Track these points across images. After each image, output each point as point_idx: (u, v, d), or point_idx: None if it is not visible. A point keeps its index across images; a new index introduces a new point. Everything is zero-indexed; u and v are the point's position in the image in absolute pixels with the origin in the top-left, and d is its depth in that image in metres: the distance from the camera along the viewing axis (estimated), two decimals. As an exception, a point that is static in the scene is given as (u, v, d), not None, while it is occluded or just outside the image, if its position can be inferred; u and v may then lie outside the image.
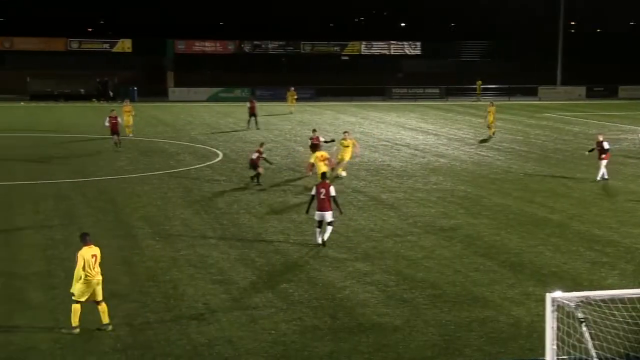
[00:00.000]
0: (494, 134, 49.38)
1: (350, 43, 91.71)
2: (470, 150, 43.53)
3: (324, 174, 24.10)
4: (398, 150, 43.24)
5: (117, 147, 41.92)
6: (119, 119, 43.30)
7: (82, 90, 78.48)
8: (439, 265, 21.00)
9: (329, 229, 22.59)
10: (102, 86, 78.03)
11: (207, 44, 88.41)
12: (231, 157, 39.88)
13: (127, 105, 49.16)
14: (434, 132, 51.82)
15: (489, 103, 52.48)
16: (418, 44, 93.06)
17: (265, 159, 33.03)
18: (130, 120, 47.84)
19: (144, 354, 14.92)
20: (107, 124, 42.81)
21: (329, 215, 22.41)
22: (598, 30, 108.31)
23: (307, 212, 23.24)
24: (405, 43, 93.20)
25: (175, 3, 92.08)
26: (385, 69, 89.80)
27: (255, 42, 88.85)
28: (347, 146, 34.62)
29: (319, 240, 22.58)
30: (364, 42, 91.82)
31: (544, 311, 10.57)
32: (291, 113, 63.19)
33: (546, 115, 65.46)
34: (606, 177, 33.10)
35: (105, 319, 16.15)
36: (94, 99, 76.52)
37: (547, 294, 10.67)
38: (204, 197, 29.78)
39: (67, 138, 47.62)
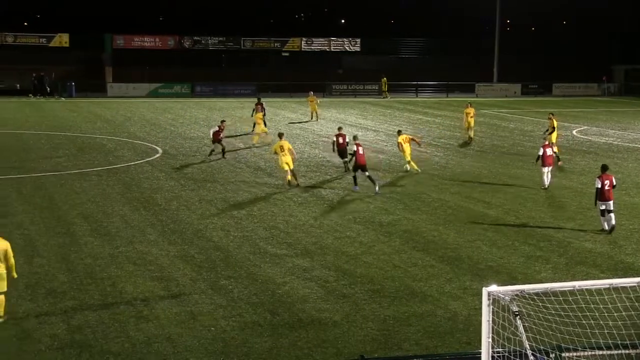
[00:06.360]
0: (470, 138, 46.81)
1: (291, 39, 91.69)
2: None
3: (604, 166, 24.94)
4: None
5: (210, 156, 38.05)
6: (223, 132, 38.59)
7: (17, 85, 77.14)
8: (378, 260, 21.20)
9: (612, 216, 24.18)
10: (39, 81, 76.75)
11: (146, 39, 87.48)
12: (171, 153, 39.63)
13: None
14: (374, 129, 52.15)
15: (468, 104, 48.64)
16: (358, 40, 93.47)
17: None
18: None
19: (81, 352, 14.78)
20: (211, 132, 38.49)
21: (611, 204, 24.19)
22: (533, 29, 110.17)
23: (595, 204, 24.71)
24: (345, 39, 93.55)
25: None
26: (326, 65, 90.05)
27: (195, 38, 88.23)
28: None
29: (605, 227, 24.24)
30: (304, 39, 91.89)
31: (481, 305, 10.76)
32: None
33: (483, 112, 66.31)
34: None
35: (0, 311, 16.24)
36: (30, 94, 75.28)
37: (484, 288, 10.84)
38: (143, 194, 29.55)
39: (2, 133, 46.76)
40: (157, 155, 39.24)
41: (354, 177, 30.70)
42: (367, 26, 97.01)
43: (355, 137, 31.99)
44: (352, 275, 19.77)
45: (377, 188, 30.04)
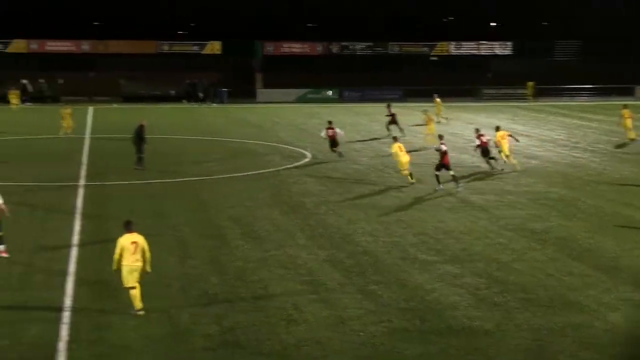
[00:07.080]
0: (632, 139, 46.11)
1: (439, 43, 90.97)
2: (563, 151, 42.56)
3: None
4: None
5: (340, 156, 39.59)
6: (337, 130, 40.22)
7: (172, 91, 80.00)
8: (530, 268, 20.53)
9: None
10: (192, 88, 79.36)
11: (295, 45, 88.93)
12: (319, 158, 39.92)
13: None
14: (525, 133, 50.81)
15: (622, 106, 49.13)
16: (509, 43, 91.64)
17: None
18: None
19: (234, 353, 14.99)
20: (324, 135, 40.38)
21: None
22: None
23: None
24: (495, 43, 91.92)
25: (264, 5, 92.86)
26: (475, 69, 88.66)
27: (343, 43, 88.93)
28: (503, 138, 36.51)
29: None
30: (452, 43, 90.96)
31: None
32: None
33: (642, 116, 63.52)
34: None
35: (138, 305, 16.78)
36: (184, 100, 77.90)
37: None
38: (292, 198, 29.85)
39: (156, 139, 48.37)
40: (306, 159, 39.62)
41: (437, 176, 31.14)
42: (518, 29, 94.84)
43: (440, 137, 32.77)
44: (504, 283, 19.23)
45: (458, 187, 30.89)
